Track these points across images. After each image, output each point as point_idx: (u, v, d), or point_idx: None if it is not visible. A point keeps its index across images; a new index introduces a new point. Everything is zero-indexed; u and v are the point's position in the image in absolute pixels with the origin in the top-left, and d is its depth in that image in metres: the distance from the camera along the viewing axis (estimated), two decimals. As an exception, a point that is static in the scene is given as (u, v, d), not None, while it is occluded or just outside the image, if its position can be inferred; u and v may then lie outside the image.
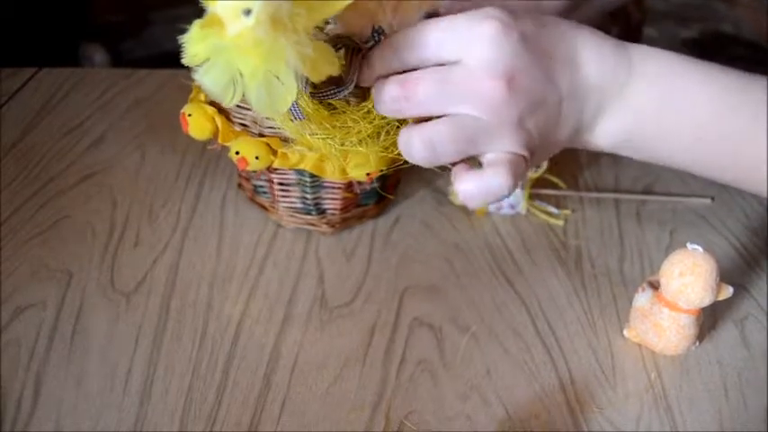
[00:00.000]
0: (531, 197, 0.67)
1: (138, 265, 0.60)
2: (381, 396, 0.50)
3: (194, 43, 0.42)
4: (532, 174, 0.67)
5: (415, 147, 0.42)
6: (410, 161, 0.44)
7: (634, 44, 0.47)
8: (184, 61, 0.44)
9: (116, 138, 0.76)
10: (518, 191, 0.66)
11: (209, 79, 0.42)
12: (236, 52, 0.40)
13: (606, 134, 0.47)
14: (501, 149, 0.43)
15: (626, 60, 0.46)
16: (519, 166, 0.43)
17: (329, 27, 0.52)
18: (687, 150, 0.48)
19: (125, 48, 1.47)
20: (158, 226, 0.64)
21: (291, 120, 0.51)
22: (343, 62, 0.47)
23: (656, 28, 2.27)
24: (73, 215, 0.65)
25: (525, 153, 0.44)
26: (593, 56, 0.45)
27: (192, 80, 0.60)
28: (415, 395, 0.50)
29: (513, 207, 0.66)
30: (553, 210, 0.67)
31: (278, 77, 0.42)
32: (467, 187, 0.43)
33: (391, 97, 0.42)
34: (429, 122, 0.42)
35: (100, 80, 0.86)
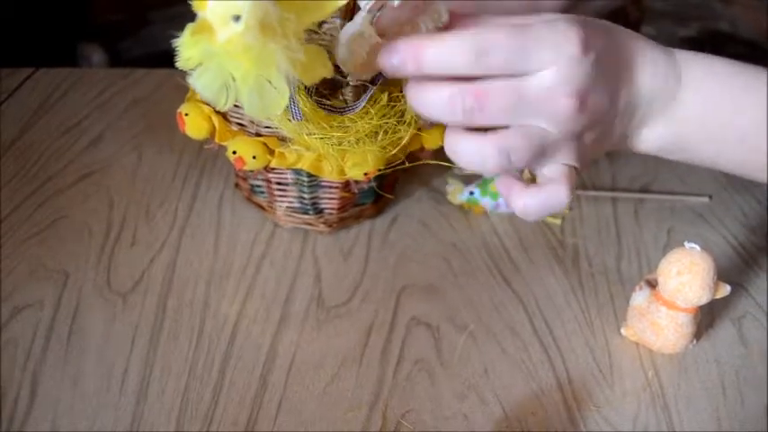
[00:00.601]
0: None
1: (135, 264, 0.60)
2: (378, 395, 0.50)
3: (187, 48, 0.42)
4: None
5: (492, 156, 0.41)
6: (477, 169, 0.43)
7: (680, 50, 0.47)
8: (178, 65, 0.44)
9: (114, 137, 0.76)
10: None
11: (202, 83, 0.42)
12: (228, 57, 0.40)
13: (650, 140, 0.48)
14: (560, 161, 0.44)
15: (675, 69, 0.46)
16: (573, 179, 0.44)
17: (326, 26, 0.52)
18: (730, 154, 0.49)
19: (123, 47, 1.47)
20: (155, 225, 0.64)
21: (290, 120, 0.51)
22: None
23: (654, 27, 2.27)
24: (70, 215, 0.65)
25: (578, 165, 0.45)
26: (647, 68, 0.46)
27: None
28: (412, 394, 0.50)
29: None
30: None
31: (270, 82, 0.42)
32: (527, 203, 0.43)
33: (463, 108, 0.40)
34: (502, 132, 0.41)
35: (98, 80, 0.86)
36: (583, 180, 0.72)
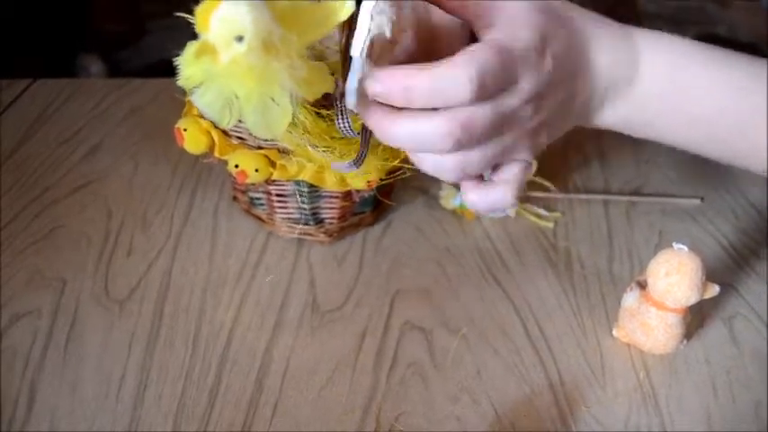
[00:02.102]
0: (521, 200, 0.68)
1: (132, 272, 0.61)
2: (372, 399, 0.51)
3: (188, 66, 0.42)
4: None
5: (448, 172, 0.41)
6: (430, 173, 0.43)
7: (639, 30, 0.47)
8: (179, 83, 0.44)
9: (111, 147, 0.77)
10: None
11: (204, 102, 0.42)
12: (231, 77, 0.40)
13: (609, 118, 0.49)
14: (513, 160, 0.44)
15: (632, 53, 0.47)
16: (523, 180, 0.45)
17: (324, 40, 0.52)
18: (688, 133, 0.49)
19: (122, 57, 1.48)
20: (152, 234, 0.65)
21: (340, 133, 0.50)
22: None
23: (651, 31, 2.27)
24: (68, 224, 0.66)
25: (531, 158, 0.45)
26: (604, 55, 0.46)
27: (185, 94, 0.61)
28: (405, 397, 0.51)
29: (503, 210, 0.67)
30: (543, 212, 0.68)
31: (273, 99, 0.42)
32: (475, 199, 0.44)
33: (455, 143, 0.39)
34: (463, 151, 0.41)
35: (95, 90, 0.87)
36: (575, 183, 0.73)
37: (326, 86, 0.44)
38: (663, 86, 0.47)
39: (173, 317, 0.56)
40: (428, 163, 0.42)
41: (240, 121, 0.55)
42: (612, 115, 0.48)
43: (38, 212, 0.67)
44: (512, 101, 0.40)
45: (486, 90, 0.38)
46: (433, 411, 0.50)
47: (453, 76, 0.37)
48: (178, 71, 0.44)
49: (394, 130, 0.40)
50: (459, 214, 0.68)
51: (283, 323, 0.56)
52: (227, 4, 0.38)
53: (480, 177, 0.45)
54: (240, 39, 0.38)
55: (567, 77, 0.44)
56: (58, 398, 0.50)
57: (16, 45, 1.26)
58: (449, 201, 0.67)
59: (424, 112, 0.39)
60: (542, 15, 0.41)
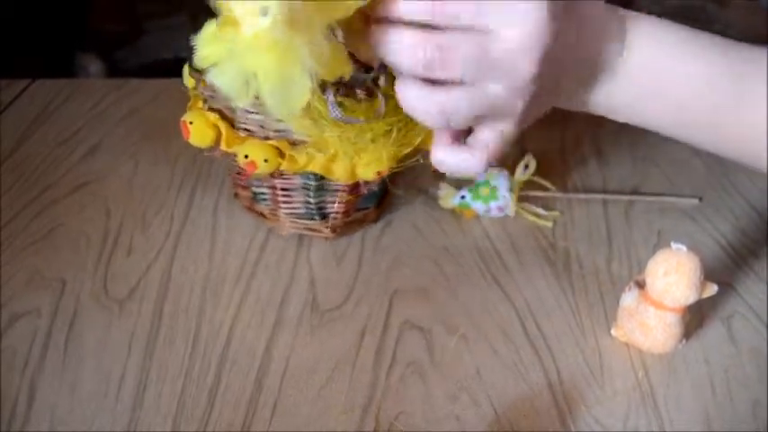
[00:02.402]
0: (520, 199, 0.68)
1: (132, 272, 0.61)
2: (371, 398, 0.51)
3: (206, 45, 0.42)
4: (521, 177, 0.68)
5: (431, 113, 0.41)
6: (414, 117, 0.42)
7: (629, 13, 0.47)
8: (196, 62, 0.44)
9: (110, 147, 0.77)
10: (507, 194, 0.66)
11: (222, 80, 0.42)
12: (251, 54, 0.40)
13: (592, 97, 0.48)
14: (496, 125, 0.43)
15: (623, 35, 0.46)
16: (498, 150, 0.44)
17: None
18: (668, 116, 0.49)
19: (120, 57, 1.48)
20: (151, 233, 0.65)
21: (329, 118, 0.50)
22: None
23: (649, 30, 2.28)
24: (67, 224, 0.66)
25: (515, 128, 0.44)
26: (598, 37, 0.45)
27: (186, 89, 0.61)
28: (404, 396, 0.51)
29: (501, 209, 0.67)
30: (541, 211, 0.68)
31: (293, 77, 0.42)
32: (440, 156, 0.44)
33: (425, 57, 0.38)
34: (447, 89, 0.40)
35: (94, 90, 0.87)
36: (573, 183, 0.73)
37: (345, 69, 0.44)
38: (648, 72, 0.46)
39: (172, 316, 0.57)
40: (411, 97, 0.41)
41: (247, 108, 0.55)
42: (596, 95, 0.47)
43: (37, 212, 0.67)
44: (499, 40, 0.39)
45: (447, 10, 0.38)
46: (433, 410, 0.50)
47: None
48: (195, 50, 0.44)
49: (371, 37, 0.40)
50: (457, 213, 0.68)
51: (283, 322, 0.56)
52: None
53: (456, 141, 0.44)
54: (265, 12, 0.38)
55: (568, 49, 0.43)
56: (57, 397, 0.50)
57: (15, 45, 1.26)
58: (448, 200, 0.67)
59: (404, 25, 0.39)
60: None
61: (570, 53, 0.44)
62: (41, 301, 0.57)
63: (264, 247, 0.64)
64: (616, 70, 0.46)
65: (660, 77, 0.47)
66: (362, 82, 0.52)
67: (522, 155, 0.69)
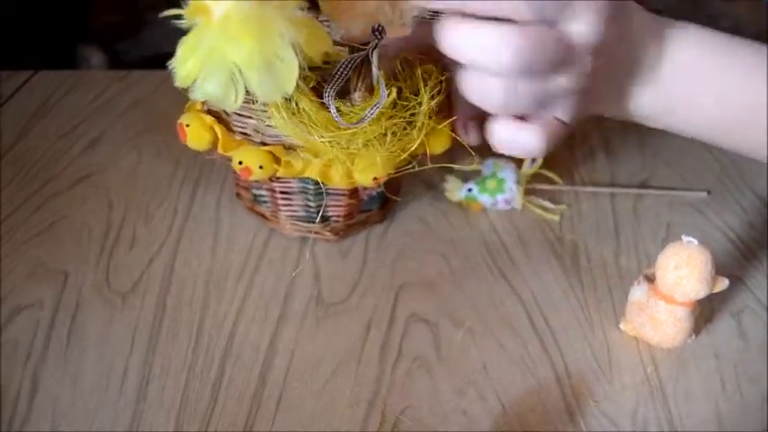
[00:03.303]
0: (527, 192, 0.67)
1: (134, 264, 0.60)
2: (377, 392, 0.50)
3: (183, 61, 0.42)
4: (528, 169, 0.67)
5: (493, 100, 0.41)
6: (478, 103, 0.42)
7: (668, 20, 0.48)
8: (179, 84, 0.43)
9: (112, 139, 0.76)
10: (514, 186, 0.66)
11: (208, 87, 0.42)
12: (227, 41, 0.40)
13: (633, 102, 0.49)
14: (551, 114, 0.44)
15: (667, 39, 0.47)
16: (556, 136, 0.44)
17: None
18: (709, 122, 0.50)
19: (122, 48, 1.47)
20: (154, 226, 0.64)
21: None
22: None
23: (654, 24, 2.27)
24: (69, 216, 0.65)
25: (569, 120, 0.45)
26: (644, 40, 0.46)
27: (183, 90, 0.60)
28: (411, 391, 0.50)
29: (508, 202, 0.66)
30: (549, 204, 0.67)
31: (276, 56, 0.41)
32: (502, 134, 0.44)
33: (517, 52, 0.38)
34: (514, 80, 0.40)
35: (96, 82, 0.87)
36: (581, 176, 0.72)
37: (325, 45, 0.43)
38: (686, 73, 0.48)
39: (175, 310, 0.56)
40: (474, 82, 0.41)
41: (241, 112, 0.55)
42: (639, 98, 0.49)
43: (39, 205, 0.66)
44: (573, 32, 0.40)
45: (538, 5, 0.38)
46: (439, 405, 0.49)
47: None
48: (175, 72, 0.43)
49: (455, 33, 0.39)
50: (464, 206, 0.67)
51: (287, 316, 0.56)
52: None
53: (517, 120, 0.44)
54: None
55: (622, 45, 0.44)
56: (59, 391, 0.49)
57: (17, 37, 1.26)
58: (454, 193, 0.67)
59: (491, 21, 0.38)
60: None
61: (623, 55, 0.45)
62: (43, 294, 0.57)
63: (268, 241, 0.63)
64: (660, 75, 0.47)
65: (701, 82, 0.48)
66: (352, 68, 0.50)
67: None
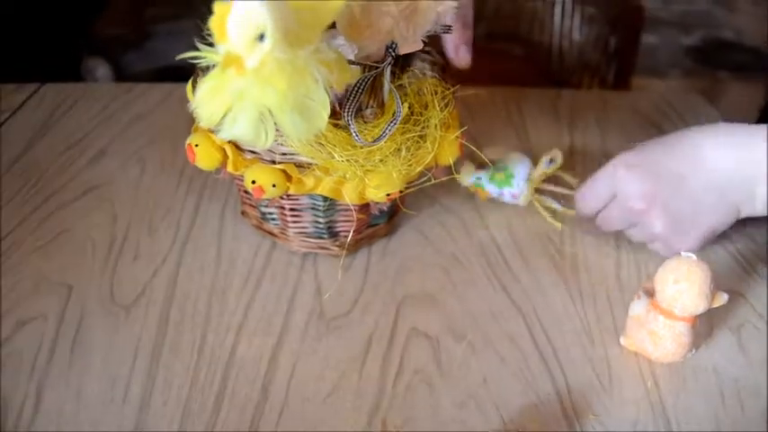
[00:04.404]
0: (540, 191, 0.68)
1: (138, 277, 0.60)
2: (378, 405, 0.50)
3: (208, 101, 0.41)
4: (544, 169, 0.67)
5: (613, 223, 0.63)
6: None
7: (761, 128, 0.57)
8: (203, 125, 0.43)
9: (117, 152, 0.77)
10: (522, 183, 0.66)
11: (238, 129, 0.41)
12: (260, 87, 0.39)
13: (755, 208, 0.60)
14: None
15: (758, 150, 0.57)
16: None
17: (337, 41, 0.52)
18: None
19: (127, 60, 1.49)
20: (158, 239, 0.65)
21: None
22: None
23: (657, 35, 2.28)
24: (74, 229, 0.66)
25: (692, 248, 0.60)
26: (725, 155, 0.58)
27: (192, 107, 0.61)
28: (411, 404, 0.51)
29: (515, 197, 0.66)
30: (556, 206, 0.67)
31: (308, 95, 0.41)
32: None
33: (628, 221, 0.62)
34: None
35: (101, 95, 0.87)
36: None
37: (350, 75, 0.43)
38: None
39: (178, 322, 0.56)
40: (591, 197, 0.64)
41: (277, 130, 0.55)
42: (756, 206, 0.59)
43: (44, 217, 0.67)
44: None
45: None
46: (440, 418, 0.50)
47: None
48: (196, 114, 0.42)
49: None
50: (465, 220, 0.68)
51: (289, 329, 0.56)
52: (239, 5, 0.37)
53: None
54: (262, 37, 0.37)
55: (673, 179, 0.59)
56: (63, 402, 0.50)
57: (23, 48, 1.27)
58: (465, 177, 0.67)
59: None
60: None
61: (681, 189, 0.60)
62: (48, 307, 0.57)
63: (271, 254, 0.63)
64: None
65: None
66: (366, 86, 0.51)
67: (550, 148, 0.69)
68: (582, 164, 0.76)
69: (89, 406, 0.50)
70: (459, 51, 0.62)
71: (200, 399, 0.50)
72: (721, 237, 0.67)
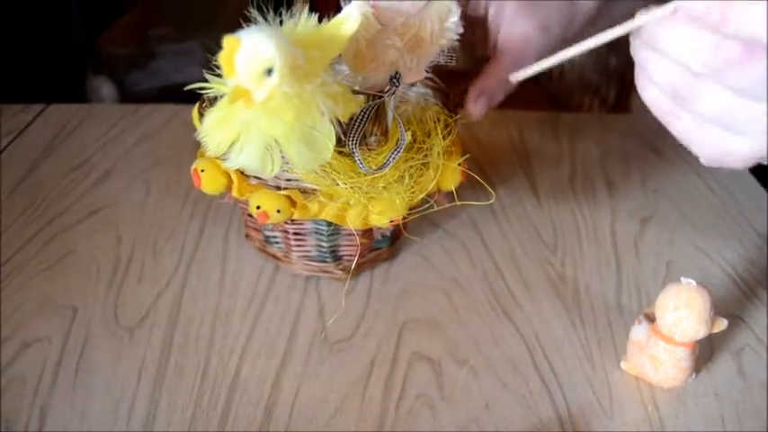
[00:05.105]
0: None
1: (142, 299, 0.61)
2: (381, 428, 0.51)
3: (215, 131, 0.42)
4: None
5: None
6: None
7: None
8: (210, 154, 0.44)
9: (122, 173, 0.77)
10: None
11: (244, 159, 0.41)
12: (267, 119, 0.40)
13: None
14: None
15: None
16: None
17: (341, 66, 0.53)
18: None
19: (131, 80, 1.50)
20: (162, 261, 0.65)
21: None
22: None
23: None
24: (78, 250, 0.66)
25: None
26: None
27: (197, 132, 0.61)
28: (413, 427, 0.51)
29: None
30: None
31: (315, 127, 0.42)
32: None
33: (726, 57, 0.37)
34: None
35: (106, 116, 0.88)
36: (582, 213, 0.73)
37: (353, 105, 0.44)
38: None
39: (182, 345, 0.57)
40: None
41: (283, 158, 0.56)
42: None
43: (48, 239, 0.67)
44: None
45: None
46: (442, 443, 0.50)
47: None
48: (203, 142, 0.43)
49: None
50: (467, 244, 0.68)
51: (292, 353, 0.56)
52: (247, 41, 0.38)
53: None
54: (270, 71, 0.38)
55: None
56: (67, 425, 0.50)
57: (29, 67, 1.28)
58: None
59: None
60: None
61: None
62: (52, 329, 0.58)
63: (274, 277, 0.64)
64: None
65: None
66: (371, 115, 0.52)
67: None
68: (583, 187, 0.77)
69: (93, 428, 0.50)
70: (478, 102, 0.59)
71: (203, 421, 0.51)
72: (720, 259, 0.68)
